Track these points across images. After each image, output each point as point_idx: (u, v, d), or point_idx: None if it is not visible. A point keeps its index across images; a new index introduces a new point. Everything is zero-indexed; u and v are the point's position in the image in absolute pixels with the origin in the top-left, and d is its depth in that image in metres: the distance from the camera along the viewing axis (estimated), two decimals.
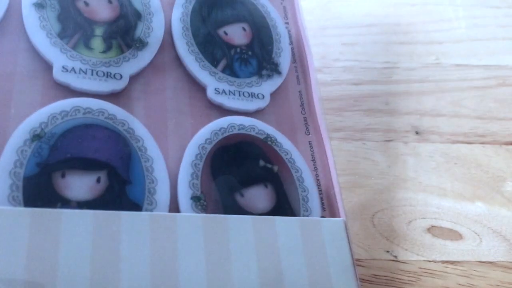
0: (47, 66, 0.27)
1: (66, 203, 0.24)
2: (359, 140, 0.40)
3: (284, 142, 0.31)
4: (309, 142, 0.32)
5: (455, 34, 0.47)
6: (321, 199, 0.30)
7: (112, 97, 0.28)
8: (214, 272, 0.25)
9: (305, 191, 0.30)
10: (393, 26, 0.47)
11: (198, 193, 0.27)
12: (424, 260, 0.35)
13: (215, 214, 0.26)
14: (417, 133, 0.41)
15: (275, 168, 0.30)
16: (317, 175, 0.31)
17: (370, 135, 0.41)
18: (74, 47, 0.28)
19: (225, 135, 0.30)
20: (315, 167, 0.31)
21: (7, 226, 0.22)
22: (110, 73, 0.28)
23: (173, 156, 0.28)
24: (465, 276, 0.35)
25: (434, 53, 0.46)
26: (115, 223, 0.24)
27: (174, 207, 0.27)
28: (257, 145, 0.30)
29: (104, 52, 0.29)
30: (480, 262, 0.36)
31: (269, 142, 0.31)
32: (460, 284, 0.34)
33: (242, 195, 0.28)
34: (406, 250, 0.36)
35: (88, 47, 0.29)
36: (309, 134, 0.32)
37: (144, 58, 0.30)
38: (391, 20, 0.48)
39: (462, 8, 0.49)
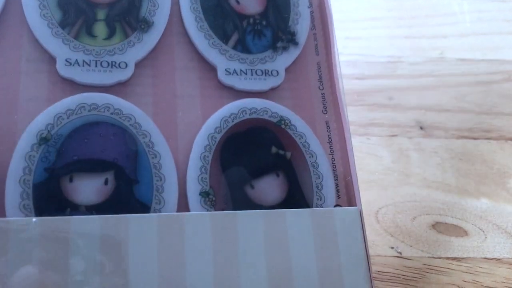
0: (51, 58, 0.27)
1: (75, 208, 0.24)
2: (363, 135, 0.40)
3: (299, 124, 0.29)
4: (326, 122, 0.30)
5: (459, 28, 0.47)
6: (336, 185, 0.29)
7: (118, 87, 0.27)
8: (222, 272, 0.24)
9: (319, 178, 0.29)
10: (397, 20, 0.47)
11: (207, 188, 0.27)
12: (428, 257, 0.35)
13: (224, 211, 0.26)
14: (421, 128, 0.41)
15: (288, 154, 0.29)
16: (333, 159, 0.29)
17: (374, 130, 0.40)
18: (76, 36, 0.27)
19: (235, 121, 0.28)
20: (331, 150, 0.30)
21: (19, 237, 0.23)
22: (115, 63, 0.27)
23: (182, 148, 0.27)
24: (470, 273, 0.34)
25: (439, 47, 0.45)
26: (122, 227, 0.24)
27: (183, 204, 0.26)
28: (270, 130, 0.29)
29: (107, 38, 0.28)
30: (485, 258, 0.35)
31: (283, 126, 0.29)
32: (465, 281, 0.34)
33: (252, 187, 0.28)
34: (411, 246, 0.35)
35: (90, 34, 0.28)
36: (326, 113, 0.30)
37: (150, 41, 0.28)
38: (395, 13, 0.47)
39: (466, 1, 0.49)
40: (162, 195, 0.26)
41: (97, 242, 0.23)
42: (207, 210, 0.26)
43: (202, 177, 0.27)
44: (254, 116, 0.29)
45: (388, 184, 0.38)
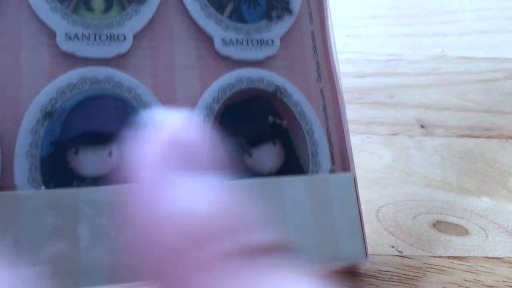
0: (51, 33, 0.27)
1: (81, 180, 0.25)
2: (363, 133, 0.40)
3: (294, 93, 0.30)
4: (321, 90, 0.31)
5: (460, 26, 0.47)
6: (331, 152, 0.30)
7: (118, 60, 0.28)
8: None
9: (314, 145, 0.29)
10: (397, 18, 0.47)
11: None
12: (429, 256, 0.35)
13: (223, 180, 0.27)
14: (422, 126, 0.41)
15: (284, 123, 0.29)
16: (327, 127, 0.30)
17: (374, 129, 0.40)
18: (74, 10, 0.28)
19: (233, 91, 0.29)
20: (326, 118, 0.30)
21: (30, 209, 0.24)
22: (113, 35, 0.28)
23: None
24: (471, 272, 0.34)
25: (440, 45, 0.45)
26: (128, 197, 0.25)
27: None
28: (266, 99, 0.29)
29: (105, 11, 0.28)
30: (487, 257, 0.35)
31: (279, 95, 0.30)
32: (466, 280, 0.34)
33: (250, 156, 0.28)
34: (411, 245, 0.35)
35: (88, 8, 0.28)
36: (320, 81, 0.31)
37: (146, 12, 0.29)
38: (395, 12, 0.47)
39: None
40: None
41: (104, 211, 0.24)
42: None
43: None
44: (250, 85, 0.29)
45: (388, 183, 0.38)
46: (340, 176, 0.29)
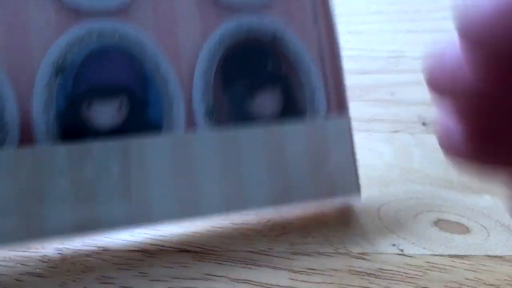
0: None
1: (95, 132, 0.27)
2: (364, 131, 0.40)
3: (292, 39, 0.31)
4: (317, 36, 0.32)
5: None
6: (327, 97, 0.31)
7: (122, 13, 0.28)
8: (229, 183, 0.28)
9: (311, 90, 0.31)
10: (399, 14, 0.46)
11: (211, 106, 0.29)
12: (430, 254, 0.35)
13: (227, 128, 0.29)
14: (424, 124, 0.41)
15: (283, 69, 0.31)
16: (324, 72, 0.31)
17: (376, 126, 0.40)
18: None
19: (233, 39, 0.30)
20: (322, 63, 0.31)
21: (48, 164, 0.25)
22: None
23: (185, 69, 0.29)
24: (472, 271, 0.34)
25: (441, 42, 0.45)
26: (140, 149, 0.27)
27: (191, 123, 0.28)
28: (265, 47, 0.31)
29: None
30: (488, 256, 0.35)
31: (277, 41, 0.31)
32: (467, 279, 0.34)
33: (251, 102, 0.30)
34: (413, 243, 0.35)
35: None
36: (317, 27, 0.32)
37: None
38: (397, 7, 0.47)
39: None
40: (171, 115, 0.28)
41: (119, 163, 0.26)
42: (212, 126, 0.29)
43: (206, 96, 0.29)
44: (250, 32, 0.30)
45: (390, 181, 0.38)
46: (337, 121, 0.31)
